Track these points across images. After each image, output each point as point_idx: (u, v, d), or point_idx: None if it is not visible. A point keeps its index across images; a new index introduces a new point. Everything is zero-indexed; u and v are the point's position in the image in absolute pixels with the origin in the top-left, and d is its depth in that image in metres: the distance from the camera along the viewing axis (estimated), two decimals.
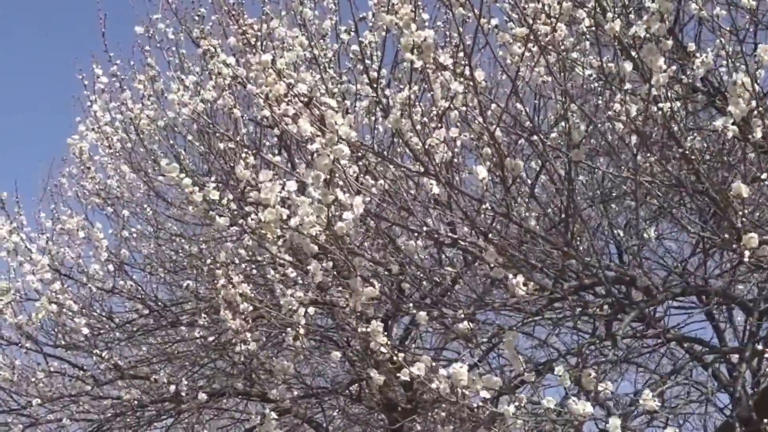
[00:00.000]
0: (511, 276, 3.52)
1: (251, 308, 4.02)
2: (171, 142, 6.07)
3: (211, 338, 6.19)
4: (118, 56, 6.11)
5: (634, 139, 5.17)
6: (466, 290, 5.52)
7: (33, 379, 6.47)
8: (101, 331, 6.43)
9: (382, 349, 3.31)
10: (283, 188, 3.15)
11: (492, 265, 3.50)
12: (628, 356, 5.52)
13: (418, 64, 2.86)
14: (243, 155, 3.27)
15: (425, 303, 6.19)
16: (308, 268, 4.76)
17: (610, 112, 5.02)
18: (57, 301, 5.75)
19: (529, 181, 5.01)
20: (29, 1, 29.02)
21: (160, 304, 6.52)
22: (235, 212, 3.71)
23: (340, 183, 3.32)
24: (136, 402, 7.08)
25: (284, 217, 3.13)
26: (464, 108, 3.16)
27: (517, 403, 3.01)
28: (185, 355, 6.72)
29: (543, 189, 5.79)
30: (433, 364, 3.03)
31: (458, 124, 3.37)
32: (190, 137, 5.90)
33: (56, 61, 29.27)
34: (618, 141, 4.67)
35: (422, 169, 3.61)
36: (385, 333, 5.99)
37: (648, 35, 2.93)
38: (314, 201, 3.04)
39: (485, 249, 3.53)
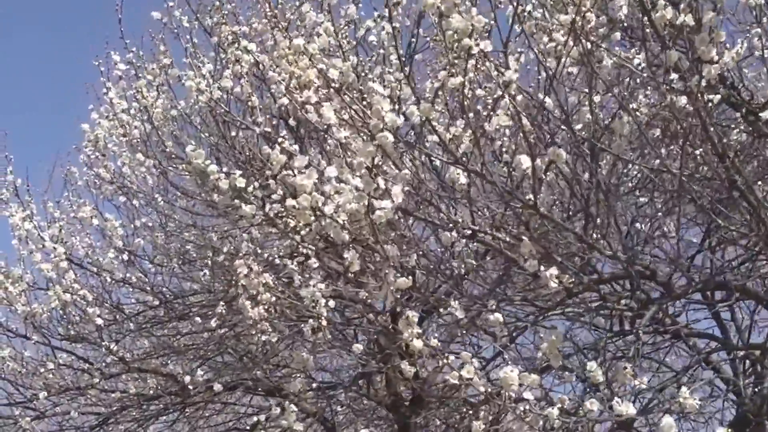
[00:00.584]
0: (543, 269, 3.46)
1: (273, 298, 3.95)
2: (180, 132, 6.00)
3: (222, 330, 6.11)
4: (133, 44, 6.01)
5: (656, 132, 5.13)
6: (476, 283, 5.47)
7: (42, 370, 6.38)
8: (112, 323, 6.34)
9: (416, 343, 3.25)
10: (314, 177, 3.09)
11: (526, 258, 3.44)
12: (642, 352, 5.49)
13: (476, 50, 2.79)
14: (279, 139, 3.17)
15: (440, 295, 6.16)
16: (329, 257, 4.71)
17: (633, 105, 4.97)
18: (71, 291, 5.66)
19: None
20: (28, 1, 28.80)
21: (169, 295, 6.44)
22: (262, 200, 3.63)
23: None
24: (150, 393, 7.03)
25: (319, 204, 3.07)
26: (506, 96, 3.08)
27: (560, 405, 2.96)
28: (193, 348, 6.64)
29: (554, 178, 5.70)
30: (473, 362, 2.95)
31: (508, 112, 3.28)
32: (201, 127, 5.82)
33: (55, 60, 29.06)
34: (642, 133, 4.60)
35: (451, 159, 3.56)
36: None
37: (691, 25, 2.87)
38: (353, 189, 2.97)
39: (518, 240, 3.47)
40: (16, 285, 5.68)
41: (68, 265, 5.70)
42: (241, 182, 3.50)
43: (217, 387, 5.95)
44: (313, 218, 3.10)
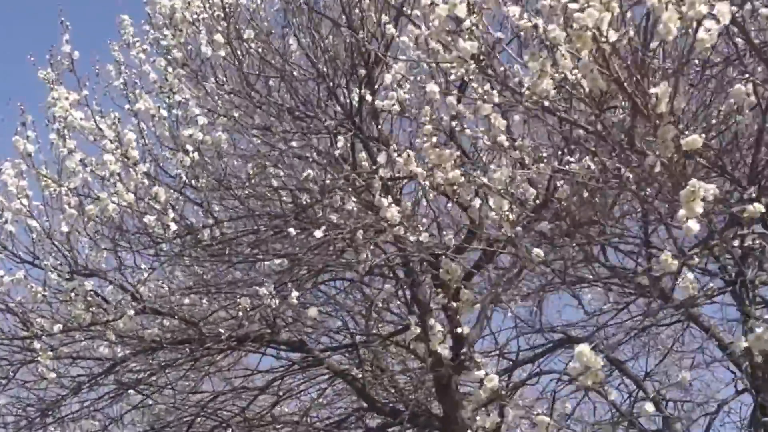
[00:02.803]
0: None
1: (462, 178, 3.13)
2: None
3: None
4: None
5: None
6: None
7: (73, 295, 5.43)
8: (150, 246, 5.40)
9: None
10: None
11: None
12: None
13: None
14: None
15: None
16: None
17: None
18: (138, 189, 4.69)
19: None
20: None
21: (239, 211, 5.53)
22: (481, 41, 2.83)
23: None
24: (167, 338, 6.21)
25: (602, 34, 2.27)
26: None
27: None
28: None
29: None
30: None
31: None
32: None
33: None
34: None
35: None
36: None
37: None
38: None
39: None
40: (73, 181, 4.65)
41: (140, 155, 4.70)
42: (461, 11, 2.69)
43: (313, 311, 5.07)
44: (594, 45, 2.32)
